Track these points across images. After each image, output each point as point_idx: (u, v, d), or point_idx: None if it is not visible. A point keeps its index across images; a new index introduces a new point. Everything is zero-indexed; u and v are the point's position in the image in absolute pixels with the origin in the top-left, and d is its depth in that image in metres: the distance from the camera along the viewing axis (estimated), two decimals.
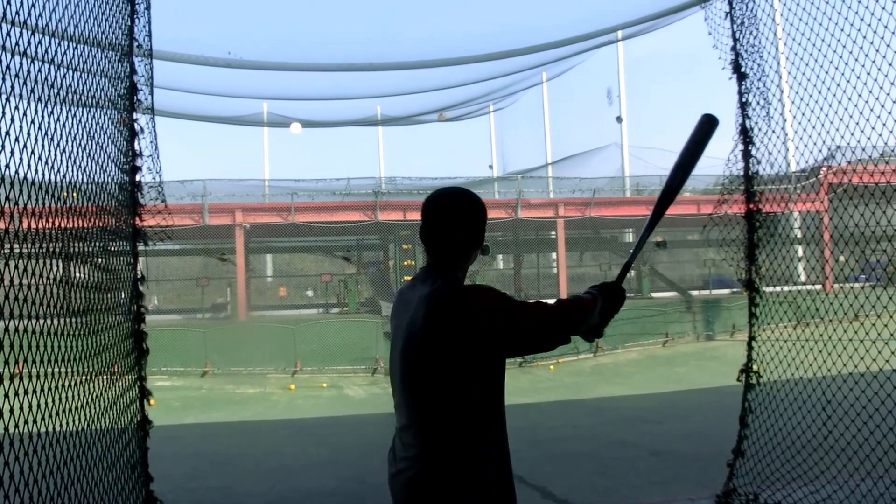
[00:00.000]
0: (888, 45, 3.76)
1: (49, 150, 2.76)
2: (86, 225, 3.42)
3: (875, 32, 3.81)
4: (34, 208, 2.59)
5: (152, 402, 4.56)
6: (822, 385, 4.44)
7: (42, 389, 2.61)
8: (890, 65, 3.76)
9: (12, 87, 2.41)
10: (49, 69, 2.85)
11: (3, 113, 2.31)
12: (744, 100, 4.99)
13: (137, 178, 4.44)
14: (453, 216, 2.06)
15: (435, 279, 2.03)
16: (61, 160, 2.93)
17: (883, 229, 4.26)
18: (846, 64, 4.06)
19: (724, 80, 5.08)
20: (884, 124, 3.84)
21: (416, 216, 23.81)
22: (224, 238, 23.56)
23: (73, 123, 3.13)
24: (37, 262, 2.59)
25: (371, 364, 18.88)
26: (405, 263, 24.18)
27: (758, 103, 4.95)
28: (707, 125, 2.40)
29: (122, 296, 4.25)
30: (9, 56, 2.40)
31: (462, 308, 1.91)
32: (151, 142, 4.56)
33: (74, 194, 3.19)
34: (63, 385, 2.85)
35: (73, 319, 3.19)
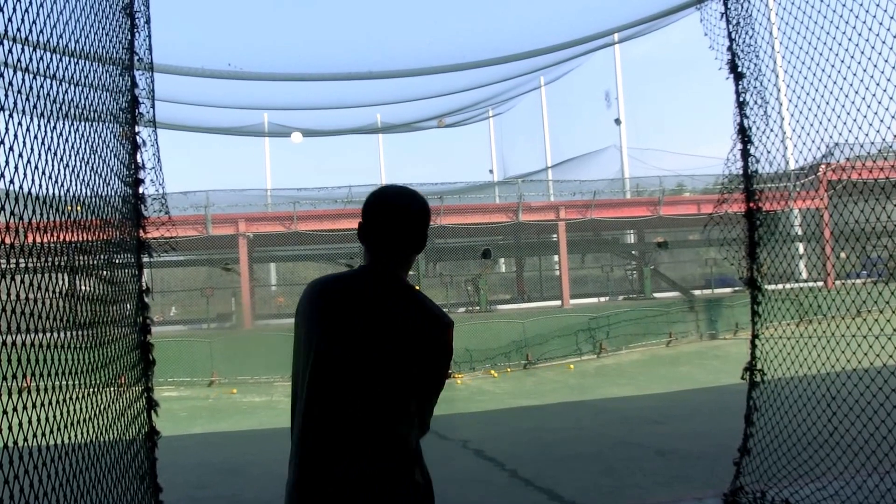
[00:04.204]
0: (883, 42, 3.79)
1: (52, 165, 2.79)
2: (90, 238, 3.44)
3: (870, 29, 3.83)
4: (39, 223, 2.61)
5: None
6: (826, 382, 4.45)
7: (50, 402, 2.63)
8: (886, 61, 3.78)
9: (15, 102, 2.44)
10: (51, 84, 2.88)
11: (7, 128, 2.34)
12: (741, 99, 5.01)
13: (141, 190, 4.46)
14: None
15: (416, 293, 1.98)
16: (65, 174, 2.96)
17: (883, 225, 4.27)
18: (842, 61, 4.08)
19: (720, 80, 5.11)
20: (881, 120, 3.86)
21: None
22: (228, 248, 23.59)
23: (75, 138, 3.15)
24: (42, 276, 2.61)
25: None
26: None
27: (755, 102, 4.97)
28: None
29: (128, 308, 4.27)
30: (10, 72, 2.43)
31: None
32: (154, 154, 4.59)
33: (78, 208, 3.21)
34: (71, 398, 2.87)
35: (80, 332, 3.21)
